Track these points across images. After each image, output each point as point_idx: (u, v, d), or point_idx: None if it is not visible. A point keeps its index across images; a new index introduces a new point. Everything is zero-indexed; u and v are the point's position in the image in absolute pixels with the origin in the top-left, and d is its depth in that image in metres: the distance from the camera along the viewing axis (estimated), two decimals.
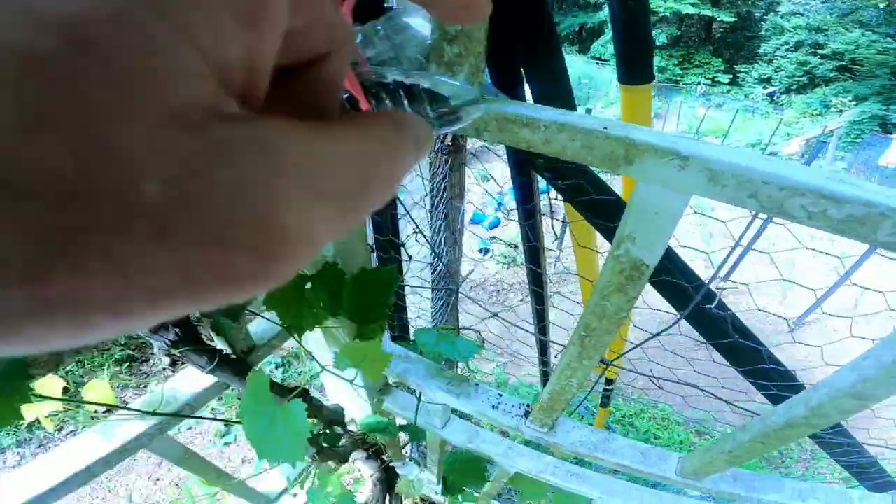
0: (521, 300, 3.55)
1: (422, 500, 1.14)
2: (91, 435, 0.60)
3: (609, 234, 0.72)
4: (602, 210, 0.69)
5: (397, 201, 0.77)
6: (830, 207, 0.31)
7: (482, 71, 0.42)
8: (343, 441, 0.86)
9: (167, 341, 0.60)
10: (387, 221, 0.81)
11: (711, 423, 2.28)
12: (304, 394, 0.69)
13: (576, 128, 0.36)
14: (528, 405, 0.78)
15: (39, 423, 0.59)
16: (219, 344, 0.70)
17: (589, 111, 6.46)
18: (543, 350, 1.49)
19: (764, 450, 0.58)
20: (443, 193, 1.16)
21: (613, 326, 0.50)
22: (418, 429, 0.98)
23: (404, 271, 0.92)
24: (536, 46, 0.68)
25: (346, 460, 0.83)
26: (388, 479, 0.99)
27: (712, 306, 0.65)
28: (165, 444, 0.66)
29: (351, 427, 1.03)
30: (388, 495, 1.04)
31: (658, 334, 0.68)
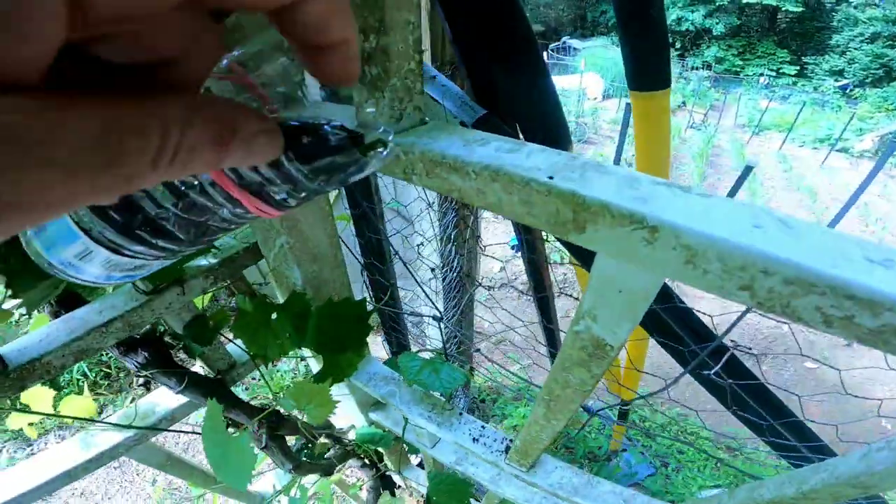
0: (556, 296, 3.36)
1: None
2: (73, 443, 0.60)
3: None
4: (586, 254, 0.57)
5: (379, 225, 0.69)
6: (861, 313, 0.19)
7: (418, 93, 0.33)
8: (332, 452, 0.81)
9: (136, 364, 0.57)
10: (371, 243, 0.73)
11: (743, 441, 2.06)
12: (275, 415, 0.64)
13: (511, 177, 0.26)
14: (510, 440, 0.69)
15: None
16: (199, 364, 0.66)
17: (629, 107, 5.77)
18: (553, 345, 1.36)
19: None
20: (452, 200, 1.06)
21: (578, 396, 0.39)
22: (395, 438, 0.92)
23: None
24: (509, 61, 0.55)
25: (332, 472, 0.79)
26: (383, 487, 0.94)
27: (713, 370, 0.51)
28: (146, 452, 0.64)
29: (352, 433, 0.99)
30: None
31: (665, 388, 0.55)
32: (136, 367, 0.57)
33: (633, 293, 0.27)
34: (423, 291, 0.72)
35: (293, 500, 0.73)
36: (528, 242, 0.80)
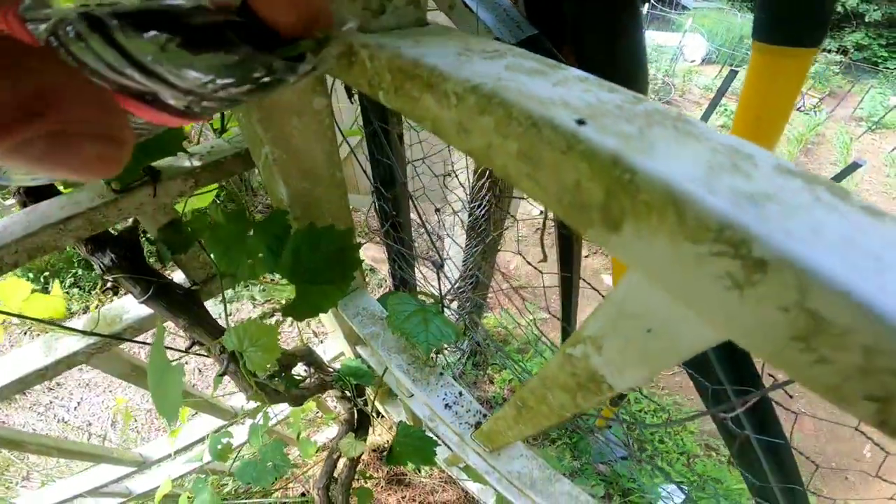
0: (587, 255, 3.15)
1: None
2: (34, 347, 0.56)
3: None
4: None
5: (388, 149, 0.58)
6: None
7: None
8: (308, 381, 0.79)
9: (101, 265, 0.51)
10: (381, 167, 0.62)
11: (723, 444, 1.98)
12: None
13: (510, 109, 0.14)
14: (484, 414, 0.62)
15: None
16: (178, 273, 0.61)
17: (734, 73, 4.44)
18: (567, 320, 1.26)
19: None
20: None
21: (555, 416, 0.30)
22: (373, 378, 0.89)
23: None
24: (599, 10, 0.37)
25: (302, 403, 0.77)
26: (357, 422, 0.93)
27: (732, 415, 0.40)
28: (109, 361, 0.62)
29: (338, 363, 0.97)
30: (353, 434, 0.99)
31: (674, 423, 0.45)
32: (102, 268, 0.52)
33: (670, 341, 0.16)
34: (426, 230, 0.62)
35: (254, 428, 0.72)
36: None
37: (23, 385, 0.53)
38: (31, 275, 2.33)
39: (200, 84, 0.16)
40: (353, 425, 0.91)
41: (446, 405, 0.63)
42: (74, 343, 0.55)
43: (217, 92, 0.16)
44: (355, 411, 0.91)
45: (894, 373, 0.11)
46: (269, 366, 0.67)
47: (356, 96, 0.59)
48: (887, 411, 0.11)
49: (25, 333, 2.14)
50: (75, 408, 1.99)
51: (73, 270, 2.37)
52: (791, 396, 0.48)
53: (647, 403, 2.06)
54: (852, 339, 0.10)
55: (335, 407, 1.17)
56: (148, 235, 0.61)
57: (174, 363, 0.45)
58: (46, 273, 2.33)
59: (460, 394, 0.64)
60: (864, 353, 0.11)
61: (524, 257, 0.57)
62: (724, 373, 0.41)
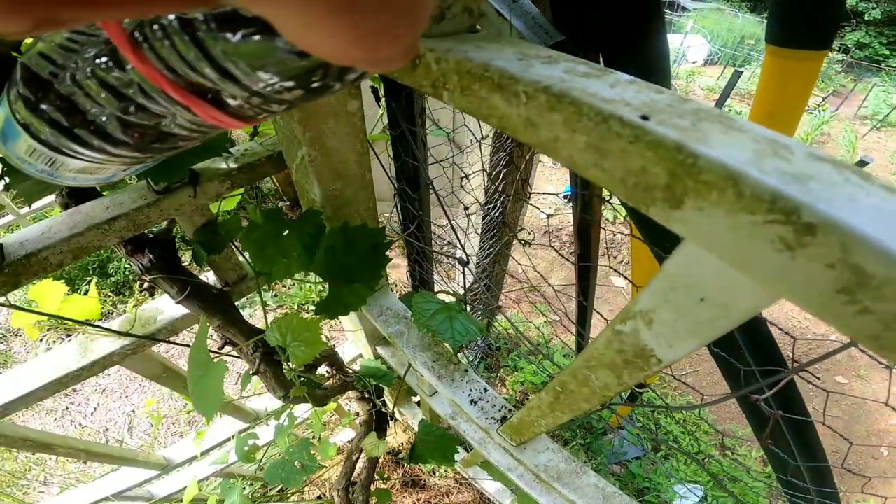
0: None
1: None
2: (69, 348, 0.59)
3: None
4: (661, 237, 0.45)
5: (417, 151, 0.61)
6: None
7: None
8: (330, 382, 0.81)
9: (140, 266, 0.54)
10: (406, 167, 0.65)
11: (738, 442, 1.97)
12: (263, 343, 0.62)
13: (580, 105, 0.17)
14: (509, 409, 0.64)
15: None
16: (212, 275, 0.64)
17: (738, 74, 4.85)
18: (582, 323, 1.28)
19: None
20: (507, 137, 0.94)
21: (596, 399, 0.32)
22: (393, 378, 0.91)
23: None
24: (627, 16, 0.40)
25: (326, 403, 0.79)
26: (376, 423, 0.95)
27: (767, 395, 0.42)
28: (141, 362, 0.64)
29: (358, 364, 0.99)
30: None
31: (695, 407, 0.47)
32: (140, 269, 0.55)
33: (722, 308, 0.18)
34: (453, 228, 0.64)
35: (280, 428, 0.74)
36: (583, 199, 0.68)
37: (60, 386, 0.55)
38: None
39: (266, 85, 0.18)
40: (371, 426, 0.94)
41: (472, 401, 0.65)
42: (110, 344, 0.57)
43: (277, 94, 0.18)
44: (373, 412, 0.94)
45: None
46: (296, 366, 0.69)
47: (383, 99, 0.62)
48: None
49: (55, 333, 2.17)
50: (92, 413, 2.03)
51: (88, 278, 2.43)
52: (818, 378, 0.49)
53: (660, 403, 2.06)
54: (891, 290, 0.13)
55: (350, 410, 1.19)
56: (179, 238, 0.64)
57: (217, 360, 0.48)
58: (63, 281, 2.38)
59: (485, 389, 0.67)
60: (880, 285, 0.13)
61: (532, 261, 0.59)
62: (752, 356, 0.43)
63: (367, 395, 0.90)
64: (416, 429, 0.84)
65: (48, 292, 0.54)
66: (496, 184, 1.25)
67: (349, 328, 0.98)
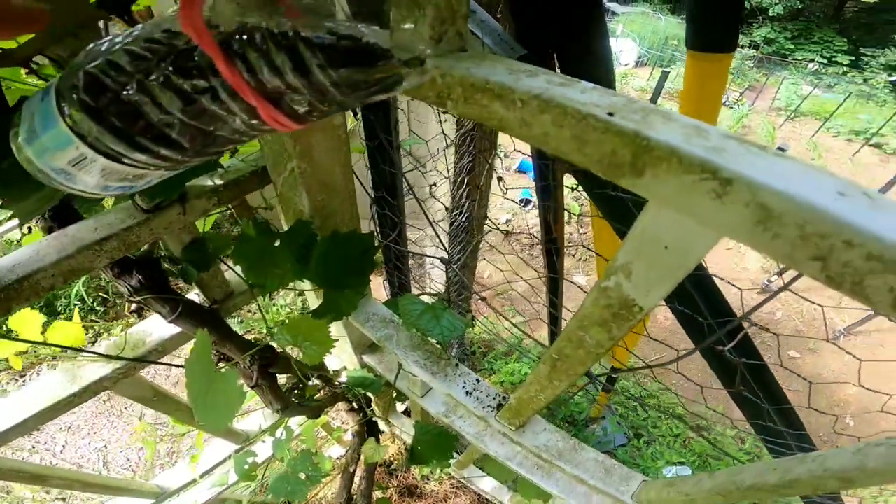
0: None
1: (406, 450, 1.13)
2: (56, 375, 0.58)
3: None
4: (622, 215, 0.53)
5: (395, 159, 0.66)
6: None
7: (462, 16, 0.29)
8: (321, 394, 0.83)
9: (129, 287, 0.55)
10: (384, 176, 0.70)
11: (711, 422, 2.14)
12: (268, 350, 0.64)
13: (564, 107, 0.23)
14: (503, 397, 0.70)
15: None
16: (195, 293, 0.65)
17: (665, 75, 5.65)
18: (554, 321, 1.37)
19: (723, 502, 0.48)
20: (469, 145, 1.02)
21: (590, 359, 0.39)
22: (383, 385, 0.94)
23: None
24: (575, 20, 0.49)
25: (319, 415, 0.81)
26: (368, 433, 0.97)
27: (728, 346, 0.51)
28: (132, 386, 0.64)
29: (344, 376, 1.01)
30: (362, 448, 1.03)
31: (677, 360, 0.55)
32: (130, 290, 0.56)
33: (681, 251, 0.25)
34: (435, 231, 0.70)
35: (278, 442, 0.76)
36: (546, 189, 0.76)
37: (52, 413, 0.55)
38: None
39: (340, 92, 0.22)
40: (363, 436, 0.96)
41: (467, 392, 0.70)
42: (100, 369, 0.57)
43: (344, 99, 0.23)
44: (365, 422, 0.96)
45: (821, 237, 0.20)
46: (288, 378, 0.72)
47: (360, 113, 0.68)
48: (828, 267, 0.20)
49: (35, 364, 2.07)
50: (61, 451, 1.96)
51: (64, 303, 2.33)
52: (768, 356, 0.59)
53: (638, 391, 2.20)
54: (789, 219, 0.20)
55: (339, 424, 1.19)
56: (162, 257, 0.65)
57: (224, 369, 0.50)
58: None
59: (477, 380, 0.72)
60: (797, 227, 0.20)
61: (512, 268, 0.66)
62: (705, 305, 0.52)
63: (356, 406, 0.93)
64: (411, 433, 0.87)
65: (27, 321, 0.54)
66: (461, 190, 1.33)
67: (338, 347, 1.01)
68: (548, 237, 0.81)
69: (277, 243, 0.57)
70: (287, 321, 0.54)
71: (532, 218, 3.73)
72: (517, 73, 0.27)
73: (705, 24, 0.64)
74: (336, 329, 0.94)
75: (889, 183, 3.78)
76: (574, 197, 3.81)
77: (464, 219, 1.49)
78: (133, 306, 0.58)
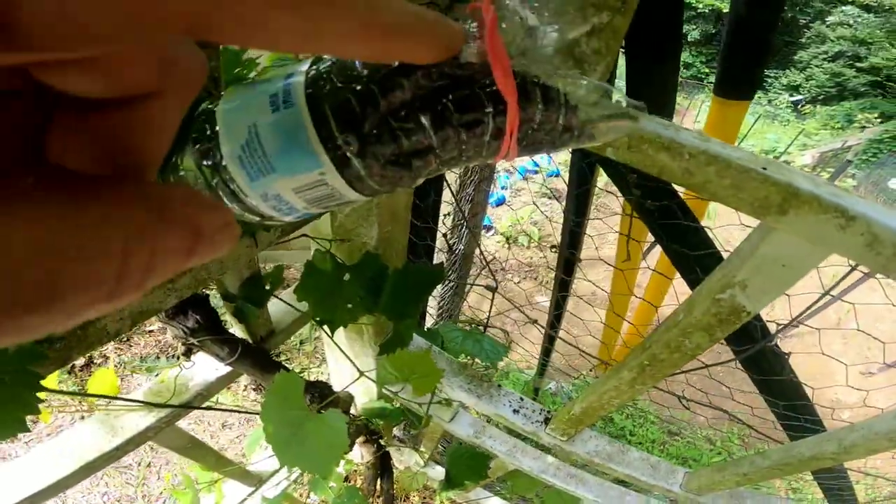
0: (518, 282, 3.53)
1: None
2: (91, 427, 0.53)
3: (684, 263, 0.69)
4: (682, 236, 0.65)
5: (445, 183, 0.72)
6: None
7: (613, 74, 0.37)
8: (350, 430, 0.83)
9: (185, 328, 0.54)
10: (428, 204, 0.75)
11: (683, 426, 2.40)
12: (325, 387, 0.65)
13: (729, 163, 0.32)
14: (548, 411, 0.77)
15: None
16: (236, 330, 0.64)
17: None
18: (550, 340, 1.47)
19: (780, 475, 0.60)
20: (473, 175, 1.10)
21: (683, 361, 0.48)
22: (417, 416, 0.96)
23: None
24: (660, 47, 0.61)
25: (351, 449, 0.81)
26: (382, 464, 0.97)
27: (772, 344, 0.65)
28: (170, 435, 0.60)
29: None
30: (379, 478, 1.02)
31: (707, 366, 0.66)
32: (185, 331, 0.54)
33: (797, 267, 0.35)
34: (482, 254, 0.76)
35: (316, 481, 0.73)
36: (582, 199, 0.87)
37: (91, 470, 0.50)
38: None
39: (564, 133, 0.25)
40: (377, 468, 0.96)
41: (514, 411, 0.76)
42: (141, 419, 0.54)
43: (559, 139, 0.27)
44: (381, 454, 0.96)
45: None
46: None
47: None
48: None
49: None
50: None
51: None
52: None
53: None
54: (888, 242, 0.30)
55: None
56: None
57: (308, 410, 0.50)
58: None
59: (521, 399, 0.78)
60: (892, 247, 0.30)
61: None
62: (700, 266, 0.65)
63: (372, 438, 0.93)
64: (413, 461, 0.89)
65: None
66: (460, 221, 1.40)
67: (348, 374, 1.00)
68: (570, 250, 0.91)
69: (347, 277, 0.59)
70: (386, 357, 0.56)
71: (491, 245, 3.86)
72: (669, 128, 0.35)
73: (738, 76, 0.83)
74: (362, 364, 0.95)
75: None
76: (532, 222, 4.06)
77: (460, 249, 1.55)
78: (182, 348, 0.56)
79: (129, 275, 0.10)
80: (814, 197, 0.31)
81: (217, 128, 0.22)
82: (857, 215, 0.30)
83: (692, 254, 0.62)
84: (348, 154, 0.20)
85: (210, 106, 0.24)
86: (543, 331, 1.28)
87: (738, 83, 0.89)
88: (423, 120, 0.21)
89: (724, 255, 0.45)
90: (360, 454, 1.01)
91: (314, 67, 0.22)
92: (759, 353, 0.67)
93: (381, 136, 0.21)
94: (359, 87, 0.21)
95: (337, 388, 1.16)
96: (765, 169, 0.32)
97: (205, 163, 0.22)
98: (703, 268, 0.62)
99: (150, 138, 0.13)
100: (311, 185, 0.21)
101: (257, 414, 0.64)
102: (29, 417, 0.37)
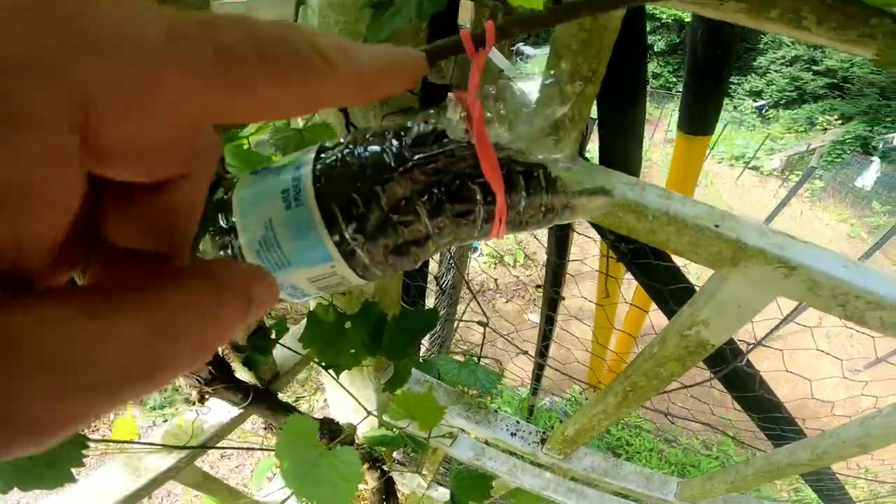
0: (506, 301, 3.57)
1: None
2: (115, 468, 0.56)
3: (658, 296, 0.74)
4: (654, 273, 0.70)
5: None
6: None
7: (577, 139, 0.42)
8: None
9: (200, 379, 0.56)
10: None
11: (678, 434, 2.44)
12: (334, 425, 0.67)
13: (686, 223, 0.37)
14: (544, 432, 0.80)
15: None
16: (243, 374, 0.66)
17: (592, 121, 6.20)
18: (540, 366, 1.52)
19: (765, 481, 0.64)
20: None
21: (662, 386, 0.52)
22: (418, 441, 0.99)
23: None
24: (621, 88, 0.65)
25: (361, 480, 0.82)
26: (386, 489, 0.99)
27: (742, 363, 0.69)
28: (188, 473, 0.63)
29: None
30: (385, 503, 1.04)
31: (686, 386, 0.71)
32: (201, 382, 0.57)
33: (749, 307, 0.39)
34: (471, 292, 0.79)
35: None
36: (562, 244, 0.91)
37: None
38: None
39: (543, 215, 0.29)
40: (382, 494, 0.97)
41: (511, 434, 0.79)
42: (161, 460, 0.56)
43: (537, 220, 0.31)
44: (384, 480, 0.97)
45: (843, 294, 0.35)
46: None
47: None
48: (846, 310, 0.35)
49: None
50: None
51: None
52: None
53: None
54: (826, 286, 0.35)
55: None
56: None
57: (323, 447, 0.53)
58: None
59: (517, 422, 0.81)
60: (830, 289, 0.35)
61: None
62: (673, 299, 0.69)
63: (375, 464, 0.95)
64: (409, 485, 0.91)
65: None
66: (448, 257, 1.43)
67: (348, 405, 1.02)
68: (555, 289, 0.96)
69: (348, 325, 0.62)
70: (393, 398, 0.59)
71: (476, 266, 3.90)
72: (635, 186, 0.40)
73: (700, 114, 0.90)
74: (363, 396, 0.97)
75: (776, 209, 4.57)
76: (516, 242, 4.12)
77: (449, 277, 1.59)
78: (196, 395, 0.58)
79: (205, 346, 0.11)
80: (760, 251, 0.35)
81: (234, 218, 0.22)
82: (798, 265, 0.35)
83: (665, 288, 0.67)
84: (355, 248, 0.22)
85: (224, 196, 0.25)
86: (534, 359, 1.33)
87: (699, 122, 0.99)
88: (421, 213, 0.23)
89: (699, 283, 0.49)
90: (364, 480, 1.02)
91: (320, 160, 0.23)
92: (731, 372, 0.72)
93: (384, 230, 0.22)
94: (360, 185, 0.22)
95: (336, 416, 1.18)
96: (717, 226, 0.36)
97: (222, 252, 0.23)
98: (676, 300, 0.67)
99: (186, 217, 0.14)
100: (322, 276, 0.22)
101: (267, 450, 0.66)
102: None
